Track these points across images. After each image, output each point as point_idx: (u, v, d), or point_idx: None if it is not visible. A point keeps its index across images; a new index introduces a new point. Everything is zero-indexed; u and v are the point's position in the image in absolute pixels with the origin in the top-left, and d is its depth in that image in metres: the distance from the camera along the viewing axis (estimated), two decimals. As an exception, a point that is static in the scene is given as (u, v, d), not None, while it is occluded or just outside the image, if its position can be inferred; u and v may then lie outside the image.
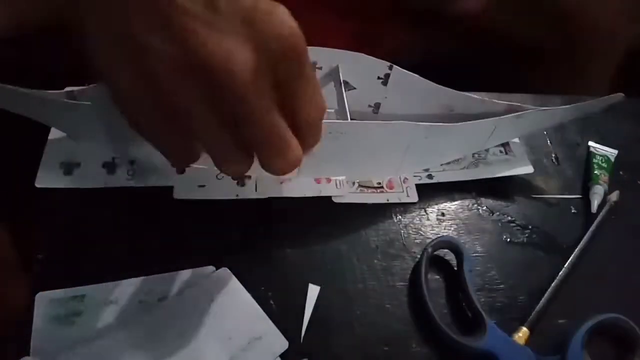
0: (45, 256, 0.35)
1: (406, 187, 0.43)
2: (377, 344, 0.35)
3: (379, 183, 0.43)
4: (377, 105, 0.46)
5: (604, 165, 0.46)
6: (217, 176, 0.41)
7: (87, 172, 0.39)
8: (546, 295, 0.38)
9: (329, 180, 0.42)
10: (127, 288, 0.34)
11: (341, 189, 0.42)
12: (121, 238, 0.37)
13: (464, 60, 0.52)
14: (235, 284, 0.35)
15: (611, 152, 0.48)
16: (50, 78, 0.37)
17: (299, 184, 0.41)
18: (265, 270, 0.37)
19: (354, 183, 0.43)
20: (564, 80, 0.58)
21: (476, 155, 0.45)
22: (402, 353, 0.35)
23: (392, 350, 0.35)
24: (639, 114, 0.52)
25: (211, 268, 0.36)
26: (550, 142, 0.49)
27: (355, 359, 0.34)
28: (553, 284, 0.38)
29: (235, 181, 0.41)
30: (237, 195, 0.40)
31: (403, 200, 0.42)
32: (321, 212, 0.41)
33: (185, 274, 0.36)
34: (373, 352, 0.35)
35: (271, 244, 0.39)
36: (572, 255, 0.40)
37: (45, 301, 0.33)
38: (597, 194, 0.44)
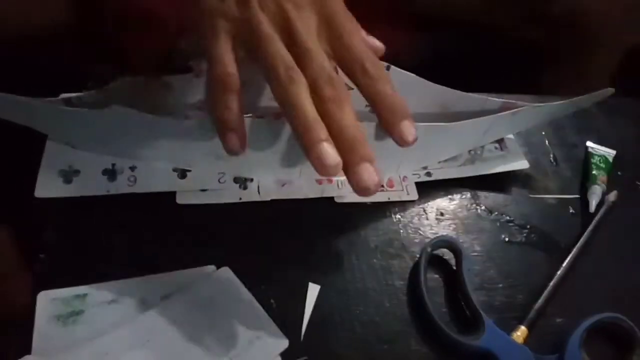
0: (48, 256, 0.36)
1: (406, 185, 0.43)
2: (376, 343, 0.35)
3: (379, 182, 0.43)
4: None
5: (602, 165, 0.46)
6: (219, 180, 0.41)
7: (87, 180, 0.39)
8: (544, 294, 0.38)
9: (330, 181, 0.42)
10: (128, 287, 0.34)
11: (342, 188, 0.42)
12: (123, 238, 0.37)
13: (464, 60, 0.53)
14: (235, 284, 0.36)
15: (609, 153, 0.48)
16: (46, 83, 0.38)
17: (300, 186, 0.42)
18: (266, 270, 0.37)
19: (354, 182, 0.43)
20: (564, 80, 0.58)
21: (472, 152, 0.46)
22: (402, 352, 0.35)
23: (392, 349, 0.35)
24: (637, 114, 0.53)
25: (212, 267, 0.36)
26: (549, 143, 0.49)
27: (355, 358, 0.34)
28: (551, 283, 0.38)
29: (238, 184, 0.41)
30: (240, 199, 0.40)
31: (403, 198, 0.43)
32: (321, 212, 0.41)
33: (186, 274, 0.36)
34: (373, 351, 0.35)
35: (271, 243, 0.39)
36: (570, 255, 0.40)
37: (47, 300, 0.33)
38: (595, 194, 0.44)
